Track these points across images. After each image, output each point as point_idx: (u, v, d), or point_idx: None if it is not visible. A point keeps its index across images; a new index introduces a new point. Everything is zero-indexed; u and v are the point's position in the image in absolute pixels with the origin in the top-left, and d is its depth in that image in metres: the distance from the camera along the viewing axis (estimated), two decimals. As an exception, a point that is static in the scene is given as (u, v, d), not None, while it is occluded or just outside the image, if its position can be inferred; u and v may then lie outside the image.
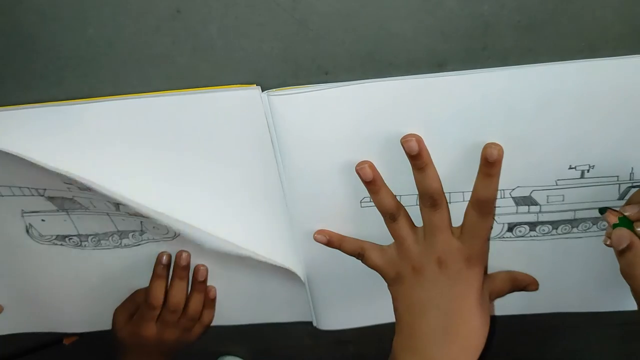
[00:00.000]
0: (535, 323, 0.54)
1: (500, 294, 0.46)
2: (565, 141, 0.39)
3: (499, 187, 0.42)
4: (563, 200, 0.42)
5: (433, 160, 0.40)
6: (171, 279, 0.50)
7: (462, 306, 0.41)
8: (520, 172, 0.41)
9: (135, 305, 0.53)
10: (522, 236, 0.45)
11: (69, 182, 0.41)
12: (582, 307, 0.51)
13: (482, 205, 0.40)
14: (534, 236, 0.45)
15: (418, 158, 0.39)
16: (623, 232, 0.37)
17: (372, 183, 0.40)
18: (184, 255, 0.48)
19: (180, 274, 0.50)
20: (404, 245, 0.42)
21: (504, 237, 0.45)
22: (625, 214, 0.38)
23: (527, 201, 0.43)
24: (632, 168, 0.40)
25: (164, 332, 0.52)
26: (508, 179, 0.41)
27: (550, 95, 0.36)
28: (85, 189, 0.41)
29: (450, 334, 0.41)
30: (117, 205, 0.44)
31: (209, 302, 0.53)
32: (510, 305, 0.51)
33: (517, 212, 0.44)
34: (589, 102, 0.36)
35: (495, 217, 0.44)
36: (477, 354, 0.42)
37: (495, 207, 0.42)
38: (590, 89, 0.36)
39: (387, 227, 0.43)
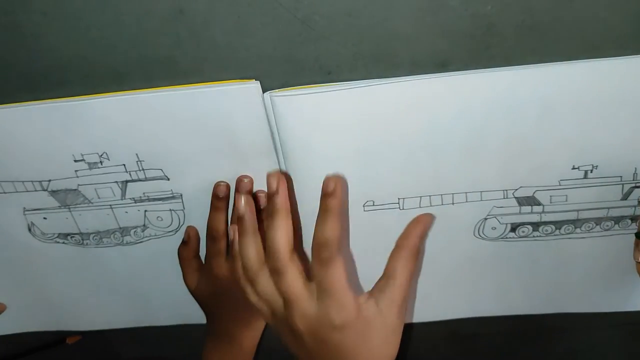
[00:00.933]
0: (538, 324, 0.54)
1: (409, 284, 0.39)
2: (569, 141, 0.38)
3: (503, 187, 0.42)
4: (566, 201, 0.42)
5: (436, 161, 0.39)
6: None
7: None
8: (523, 173, 0.41)
9: (194, 262, 0.49)
10: (525, 236, 0.45)
11: (81, 157, 0.42)
12: (585, 307, 0.50)
13: (319, 250, 0.35)
14: (537, 236, 0.45)
15: (272, 200, 0.35)
16: None
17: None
18: (246, 181, 0.42)
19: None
20: (262, 313, 0.38)
21: (506, 238, 0.45)
22: None
23: (530, 201, 0.43)
24: (636, 168, 0.40)
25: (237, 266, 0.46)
26: (511, 179, 0.41)
27: (553, 95, 0.36)
28: (96, 163, 0.42)
29: None
30: (125, 185, 0.44)
31: None
32: (513, 305, 0.51)
33: (520, 213, 0.43)
34: (592, 102, 0.36)
35: (499, 218, 0.44)
36: None
37: (338, 253, 0.35)
38: (593, 89, 0.36)
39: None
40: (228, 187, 0.44)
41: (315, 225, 0.35)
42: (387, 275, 0.39)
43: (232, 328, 0.50)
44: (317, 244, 0.35)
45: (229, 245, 0.44)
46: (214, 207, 0.45)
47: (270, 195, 0.35)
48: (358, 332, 0.36)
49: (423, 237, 0.41)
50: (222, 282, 0.47)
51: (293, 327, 0.36)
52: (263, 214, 0.38)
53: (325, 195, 0.35)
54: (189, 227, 0.48)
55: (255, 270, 0.36)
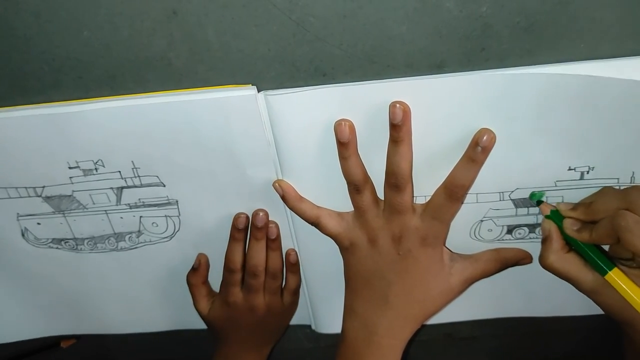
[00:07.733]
0: (534, 326, 0.53)
1: (487, 274, 0.45)
2: (564, 142, 0.38)
3: (499, 189, 0.42)
4: (562, 202, 0.42)
5: (432, 162, 0.39)
6: (248, 241, 0.47)
7: (405, 280, 0.42)
8: (519, 174, 0.41)
9: (203, 288, 0.51)
10: (522, 238, 0.45)
11: (76, 164, 0.42)
12: (584, 310, 0.50)
13: (454, 190, 0.39)
14: (534, 238, 0.45)
15: (397, 129, 0.37)
16: (545, 225, 0.41)
17: (345, 146, 0.38)
18: (261, 214, 0.45)
19: (256, 235, 0.46)
20: (364, 217, 0.42)
21: (503, 240, 0.45)
22: (557, 208, 0.40)
23: (526, 203, 0.43)
24: (634, 172, 0.40)
25: (251, 298, 0.49)
26: (507, 181, 0.41)
27: (549, 96, 0.36)
28: (91, 170, 0.42)
29: (389, 302, 0.43)
30: (120, 191, 0.44)
31: (291, 266, 0.50)
32: (509, 308, 0.51)
33: (516, 215, 0.43)
34: (587, 103, 0.36)
35: (495, 220, 0.44)
36: (415, 323, 0.44)
37: (465, 194, 0.41)
38: (589, 90, 0.36)
39: (350, 196, 0.42)
40: (248, 218, 0.45)
41: (457, 168, 0.39)
42: (475, 256, 0.45)
43: (242, 352, 0.52)
44: (454, 184, 0.39)
45: (244, 279, 0.49)
46: (232, 238, 0.46)
47: (396, 126, 0.37)
48: (431, 263, 0.42)
49: (514, 262, 0.46)
50: (235, 309, 0.50)
51: (393, 231, 0.41)
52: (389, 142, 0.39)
53: (394, 126, 0.37)
54: (200, 254, 0.49)
55: (362, 183, 0.40)
